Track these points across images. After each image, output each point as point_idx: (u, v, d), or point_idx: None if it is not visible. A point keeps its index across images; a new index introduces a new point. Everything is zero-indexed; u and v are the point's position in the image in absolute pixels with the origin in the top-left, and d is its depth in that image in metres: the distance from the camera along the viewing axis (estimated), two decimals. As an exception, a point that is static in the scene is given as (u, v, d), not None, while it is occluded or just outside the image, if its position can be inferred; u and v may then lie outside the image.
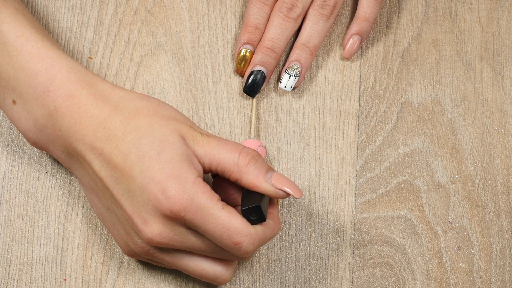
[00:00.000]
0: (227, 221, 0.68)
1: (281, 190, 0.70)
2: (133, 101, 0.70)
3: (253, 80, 0.80)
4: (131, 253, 0.72)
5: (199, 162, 0.70)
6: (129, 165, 0.68)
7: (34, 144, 0.73)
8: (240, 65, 0.81)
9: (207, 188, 0.68)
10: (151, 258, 0.72)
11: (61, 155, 0.72)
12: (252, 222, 0.70)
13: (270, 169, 0.71)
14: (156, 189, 0.67)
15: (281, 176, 0.71)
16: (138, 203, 0.68)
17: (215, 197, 0.68)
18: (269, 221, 0.71)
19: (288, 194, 0.70)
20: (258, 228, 0.69)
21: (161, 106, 0.71)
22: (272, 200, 0.73)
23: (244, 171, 0.70)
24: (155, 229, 0.68)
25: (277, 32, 0.81)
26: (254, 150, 0.71)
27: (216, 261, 0.72)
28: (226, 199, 0.74)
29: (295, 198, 0.71)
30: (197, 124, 0.81)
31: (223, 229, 0.68)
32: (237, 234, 0.68)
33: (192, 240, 0.69)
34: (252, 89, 0.81)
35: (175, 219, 0.68)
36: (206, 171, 0.71)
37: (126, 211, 0.69)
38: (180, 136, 0.69)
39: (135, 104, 0.70)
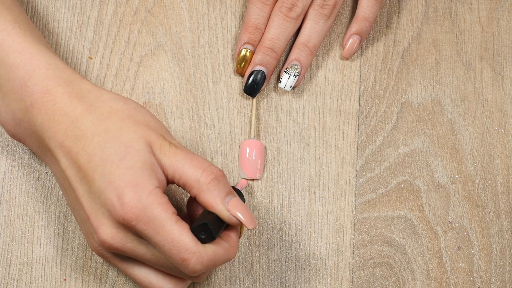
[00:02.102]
0: (178, 236, 0.67)
1: (235, 216, 0.69)
2: (108, 102, 0.70)
3: (253, 80, 0.80)
4: (94, 251, 0.72)
5: (163, 172, 0.69)
6: (92, 167, 0.68)
7: (13, 136, 0.73)
8: (241, 65, 0.81)
9: (163, 200, 0.67)
10: (106, 261, 0.72)
11: (37, 150, 0.72)
12: (202, 240, 0.68)
13: (230, 193, 0.69)
14: (113, 194, 0.67)
15: (239, 203, 0.69)
16: (96, 205, 0.68)
17: (170, 210, 0.67)
18: (223, 243, 0.70)
19: (241, 222, 0.69)
20: (209, 248, 0.68)
21: (137, 111, 0.70)
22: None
23: (204, 189, 0.69)
24: (108, 232, 0.68)
25: (277, 32, 0.81)
26: (219, 170, 0.69)
27: (165, 277, 0.71)
28: (195, 216, 0.74)
29: (247, 228, 0.70)
30: (197, 123, 0.81)
31: (172, 243, 0.67)
32: (186, 251, 0.67)
33: (143, 250, 0.69)
34: (252, 89, 0.81)
35: (128, 226, 0.67)
36: (169, 182, 0.70)
37: (85, 211, 0.69)
38: (147, 143, 0.68)
39: (109, 105, 0.70)
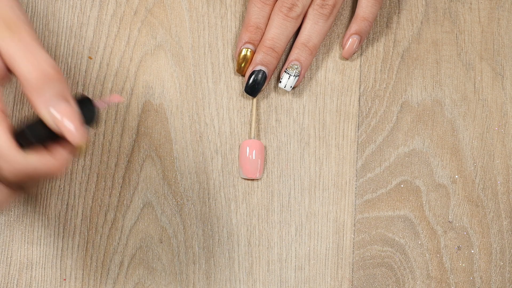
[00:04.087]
0: None
1: (57, 125, 0.61)
2: None
3: (254, 80, 0.80)
4: None
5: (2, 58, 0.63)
6: None
7: None
8: (241, 65, 0.81)
9: None
10: None
11: None
12: (22, 146, 0.62)
13: (62, 99, 0.62)
14: None
15: (68, 111, 0.62)
16: None
17: None
18: (47, 157, 0.62)
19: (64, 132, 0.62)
20: (28, 158, 0.62)
21: None
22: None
23: (30, 89, 0.62)
24: None
25: (278, 31, 0.81)
26: (57, 71, 0.62)
27: None
28: None
29: (70, 141, 0.62)
30: (197, 123, 0.81)
31: None
32: None
33: None
34: (253, 88, 0.81)
35: None
36: (9, 70, 0.64)
37: None
38: None
39: None
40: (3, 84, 0.64)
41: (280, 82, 0.81)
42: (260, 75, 0.80)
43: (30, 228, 0.78)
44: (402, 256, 0.80)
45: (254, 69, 0.80)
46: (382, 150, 0.82)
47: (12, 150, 0.61)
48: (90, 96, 0.71)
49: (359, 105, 0.83)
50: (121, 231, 0.79)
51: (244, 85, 0.81)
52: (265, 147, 0.81)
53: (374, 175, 0.82)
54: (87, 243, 0.78)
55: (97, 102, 0.64)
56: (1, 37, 0.62)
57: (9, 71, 0.63)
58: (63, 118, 0.61)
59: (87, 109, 0.63)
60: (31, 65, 0.62)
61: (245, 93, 0.81)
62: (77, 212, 0.79)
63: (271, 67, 0.81)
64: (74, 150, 0.63)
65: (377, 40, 0.85)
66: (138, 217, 0.80)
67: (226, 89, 0.82)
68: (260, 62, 0.80)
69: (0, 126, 0.62)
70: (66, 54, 0.82)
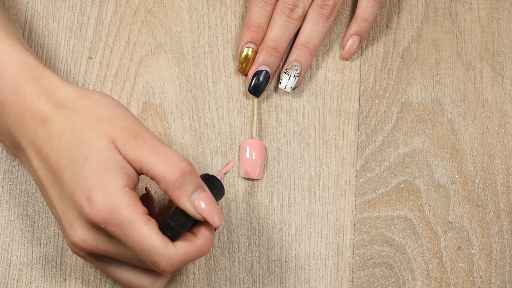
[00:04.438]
0: (147, 239, 0.66)
1: (200, 214, 0.68)
2: (73, 100, 0.69)
3: (258, 80, 0.80)
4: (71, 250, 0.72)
5: (131, 165, 0.68)
6: (61, 169, 0.67)
7: None
8: (243, 64, 0.81)
9: (132, 201, 0.66)
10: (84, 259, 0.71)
11: (10, 147, 0.72)
12: (171, 238, 0.68)
13: (198, 188, 0.68)
14: (82, 196, 0.66)
15: (206, 199, 0.68)
16: (67, 207, 0.68)
17: (139, 210, 0.66)
18: (195, 240, 0.69)
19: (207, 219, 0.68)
20: (179, 248, 0.68)
21: (100, 104, 0.69)
22: None
23: (170, 187, 0.67)
24: (79, 235, 0.68)
25: (280, 32, 0.81)
26: (187, 165, 0.68)
27: (143, 272, 0.71)
28: None
29: (213, 225, 0.68)
30: (197, 123, 0.81)
31: (142, 245, 0.66)
32: (155, 253, 0.66)
33: (115, 250, 0.68)
34: (257, 89, 0.81)
35: (98, 228, 0.67)
36: (140, 173, 0.69)
37: (57, 212, 0.69)
38: (109, 140, 0.67)
39: (74, 103, 0.69)
40: (133, 188, 0.68)
41: (280, 83, 0.81)
42: (263, 75, 0.80)
43: (30, 228, 0.78)
44: (402, 256, 0.80)
45: (257, 69, 0.80)
46: (382, 150, 0.82)
47: (167, 246, 0.67)
48: (211, 173, 0.78)
49: (359, 105, 0.83)
50: (121, 231, 0.79)
51: (248, 85, 0.81)
52: (265, 147, 0.81)
53: (374, 175, 0.82)
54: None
55: (219, 176, 0.73)
56: (130, 148, 0.67)
57: (139, 174, 0.69)
58: (201, 208, 0.68)
59: (214, 186, 0.71)
60: (165, 165, 0.67)
61: (245, 93, 0.81)
62: (77, 212, 0.79)
63: (274, 67, 0.81)
64: (214, 227, 0.70)
65: (377, 40, 0.85)
66: (138, 217, 0.80)
67: (226, 89, 0.82)
68: (263, 62, 0.80)
69: (153, 229, 0.66)
70: (66, 54, 0.82)
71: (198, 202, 0.68)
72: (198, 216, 0.68)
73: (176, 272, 0.71)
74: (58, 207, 0.68)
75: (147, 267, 0.70)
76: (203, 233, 0.69)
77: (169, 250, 0.67)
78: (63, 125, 0.68)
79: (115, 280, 0.71)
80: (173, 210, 0.69)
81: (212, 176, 0.72)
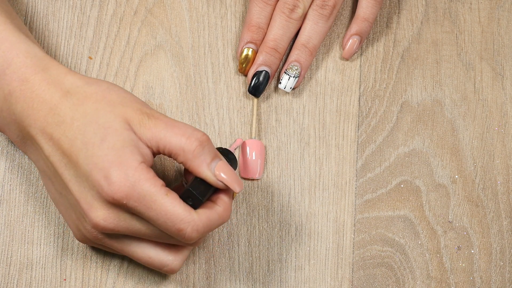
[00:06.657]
0: (170, 208, 0.68)
1: (221, 180, 0.70)
2: (82, 87, 0.70)
3: (258, 80, 0.80)
4: (83, 239, 0.73)
5: (147, 145, 0.69)
6: (75, 151, 0.68)
7: None
8: (243, 64, 0.81)
9: (150, 175, 0.68)
10: (101, 244, 0.72)
11: (17, 139, 0.73)
12: (193, 206, 0.70)
13: (216, 157, 0.70)
14: (100, 175, 0.67)
15: (224, 167, 0.70)
16: (85, 188, 0.69)
17: (158, 183, 0.68)
18: (216, 207, 0.71)
19: (227, 186, 0.70)
20: (202, 214, 0.69)
21: (109, 90, 0.71)
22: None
23: (189, 157, 0.69)
24: (100, 215, 0.69)
25: (280, 32, 0.81)
26: (203, 135, 0.70)
27: (164, 249, 0.72)
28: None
29: (234, 191, 0.71)
30: (197, 123, 0.81)
31: (166, 216, 0.68)
32: (180, 221, 0.68)
33: (137, 226, 0.69)
34: (257, 89, 0.81)
35: (119, 205, 0.68)
36: (155, 153, 0.71)
37: (74, 196, 0.69)
38: (124, 121, 0.69)
39: (84, 90, 0.70)
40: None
41: (280, 83, 0.81)
42: (263, 76, 0.81)
43: (30, 228, 0.78)
44: (402, 256, 0.80)
45: (257, 70, 0.80)
46: (382, 150, 0.82)
47: (192, 214, 0.68)
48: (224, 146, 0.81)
49: (359, 105, 0.83)
50: (121, 231, 0.79)
51: (248, 85, 0.81)
52: (265, 147, 0.81)
53: (374, 175, 0.82)
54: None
55: (231, 150, 0.77)
56: (146, 126, 0.69)
57: (154, 155, 0.70)
58: (221, 175, 0.70)
59: (228, 158, 0.74)
60: (182, 136, 0.69)
61: (245, 93, 0.82)
62: (77, 212, 0.79)
63: (274, 67, 0.81)
64: (232, 194, 0.73)
65: (377, 40, 0.85)
66: (138, 217, 0.80)
67: (226, 89, 0.82)
68: (263, 63, 0.81)
69: (175, 198, 0.68)
70: (66, 54, 0.82)
71: (218, 171, 0.70)
72: (219, 184, 0.70)
73: (197, 244, 0.72)
74: (75, 190, 0.69)
75: (169, 241, 0.71)
76: (222, 200, 0.71)
77: (193, 216, 0.68)
78: (74, 111, 0.69)
79: (136, 260, 0.72)
80: (192, 179, 0.71)
81: (225, 149, 0.75)
